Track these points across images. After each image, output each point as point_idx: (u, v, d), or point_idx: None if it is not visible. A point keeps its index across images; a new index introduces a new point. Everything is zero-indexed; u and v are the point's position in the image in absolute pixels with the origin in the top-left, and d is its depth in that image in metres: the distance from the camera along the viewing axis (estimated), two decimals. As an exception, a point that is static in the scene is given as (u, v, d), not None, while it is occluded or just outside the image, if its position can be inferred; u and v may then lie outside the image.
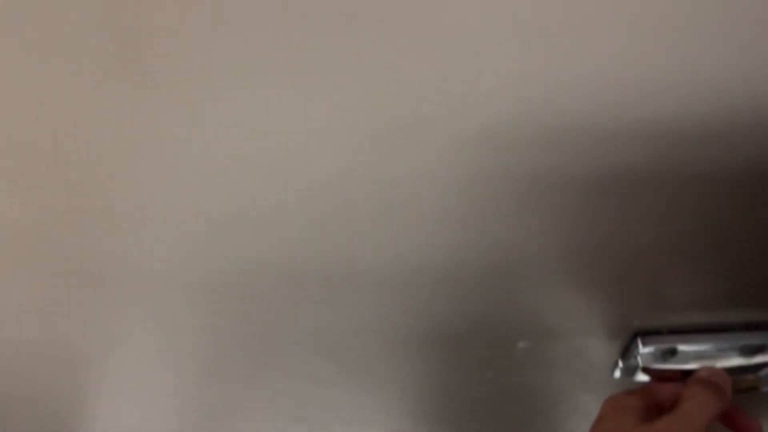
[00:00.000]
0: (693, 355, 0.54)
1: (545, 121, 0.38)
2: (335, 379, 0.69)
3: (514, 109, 0.37)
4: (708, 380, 0.50)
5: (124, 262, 0.49)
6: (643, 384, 0.56)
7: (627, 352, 0.57)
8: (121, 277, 0.50)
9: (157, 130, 0.38)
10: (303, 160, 0.41)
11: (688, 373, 0.54)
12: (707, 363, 0.53)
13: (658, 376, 0.56)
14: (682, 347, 0.54)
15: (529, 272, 0.51)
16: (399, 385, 0.70)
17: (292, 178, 0.42)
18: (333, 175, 0.42)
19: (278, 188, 0.43)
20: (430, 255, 0.49)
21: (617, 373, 0.58)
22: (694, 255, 0.50)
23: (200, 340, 0.63)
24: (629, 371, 0.57)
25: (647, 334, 0.55)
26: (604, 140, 0.39)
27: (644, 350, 0.55)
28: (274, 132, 0.39)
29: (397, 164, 0.41)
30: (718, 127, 0.39)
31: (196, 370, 0.69)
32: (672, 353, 0.54)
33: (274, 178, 0.42)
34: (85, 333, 0.60)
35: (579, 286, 0.53)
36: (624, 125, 0.38)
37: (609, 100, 0.37)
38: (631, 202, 0.44)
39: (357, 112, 0.37)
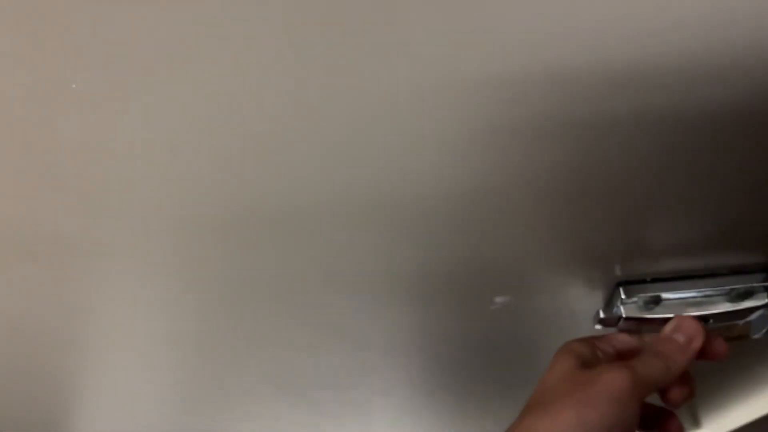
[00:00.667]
0: (678, 302, 0.52)
1: (528, 67, 0.35)
2: (317, 344, 0.67)
3: (497, 58, 0.35)
4: (666, 345, 0.46)
5: (71, 234, 0.46)
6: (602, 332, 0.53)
7: (610, 302, 0.54)
8: (71, 249, 0.47)
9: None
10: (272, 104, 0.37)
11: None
12: (693, 310, 0.51)
13: (633, 329, 0.53)
14: (666, 295, 0.52)
15: (504, 221, 0.48)
16: (378, 345, 0.68)
17: (261, 120, 0.39)
18: (305, 120, 0.38)
19: (242, 131, 0.39)
20: (404, 201, 0.46)
21: (599, 325, 0.55)
22: (675, 198, 0.47)
23: (172, 310, 0.61)
24: (612, 322, 0.54)
25: (629, 283, 0.53)
26: (584, 84, 0.37)
27: (627, 300, 0.52)
28: (261, 80, 0.35)
29: (375, 109, 0.38)
30: (699, 69, 0.36)
31: (172, 341, 0.67)
32: (656, 302, 0.52)
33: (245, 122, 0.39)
34: (49, 308, 0.57)
35: (557, 235, 0.50)
36: (607, 68, 0.36)
37: (596, 46, 0.34)
38: (609, 144, 0.42)
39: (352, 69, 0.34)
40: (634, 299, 0.52)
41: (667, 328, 0.47)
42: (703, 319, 0.52)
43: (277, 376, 0.76)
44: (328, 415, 0.91)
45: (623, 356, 0.45)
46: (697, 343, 0.45)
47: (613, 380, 0.40)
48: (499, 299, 0.56)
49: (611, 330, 0.55)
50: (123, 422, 0.90)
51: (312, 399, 0.84)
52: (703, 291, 0.52)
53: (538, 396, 0.43)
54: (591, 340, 0.46)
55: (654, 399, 0.46)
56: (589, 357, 0.44)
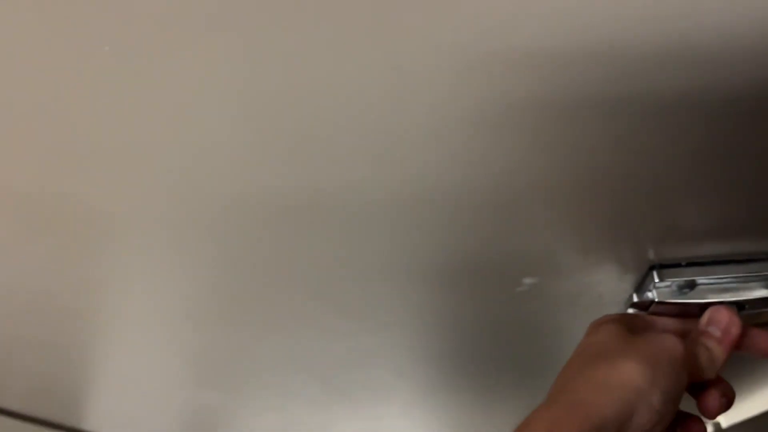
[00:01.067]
0: (713, 288, 0.50)
1: (553, 47, 0.34)
2: (333, 324, 0.66)
3: (525, 33, 0.33)
4: (703, 337, 0.45)
5: (90, 205, 0.45)
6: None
7: (642, 285, 0.53)
8: (87, 220, 0.46)
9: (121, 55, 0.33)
10: (294, 86, 0.36)
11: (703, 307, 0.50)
12: (729, 296, 0.50)
13: (669, 313, 0.52)
14: (702, 280, 0.50)
15: (536, 201, 0.47)
16: (399, 325, 0.67)
17: (286, 104, 0.37)
18: (328, 101, 0.37)
19: (271, 114, 0.38)
20: (433, 187, 0.45)
21: (631, 309, 0.54)
22: (712, 180, 0.46)
23: (189, 285, 0.60)
24: (644, 306, 0.53)
25: (664, 266, 0.51)
26: (619, 64, 0.35)
27: (660, 284, 0.51)
28: (268, 63, 0.34)
29: (396, 92, 0.37)
30: (736, 51, 0.34)
31: (187, 315, 0.66)
32: (690, 286, 0.50)
33: (270, 104, 0.37)
34: (63, 280, 0.56)
35: (590, 216, 0.49)
36: (642, 48, 0.34)
37: (622, 24, 0.33)
38: (649, 125, 0.40)
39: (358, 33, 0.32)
40: (668, 283, 0.51)
41: (702, 321, 0.46)
42: (738, 305, 0.50)
43: (294, 353, 0.75)
44: (340, 394, 0.91)
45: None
46: (734, 333, 0.45)
47: (671, 344, 0.40)
48: (527, 280, 0.55)
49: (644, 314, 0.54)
50: (138, 394, 0.90)
51: (326, 377, 0.83)
52: (739, 276, 0.50)
53: (585, 353, 0.42)
54: (632, 315, 0.45)
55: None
56: (634, 328, 0.43)
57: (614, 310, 0.58)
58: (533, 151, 0.42)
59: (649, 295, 0.52)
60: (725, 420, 0.97)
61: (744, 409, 0.94)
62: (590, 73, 0.36)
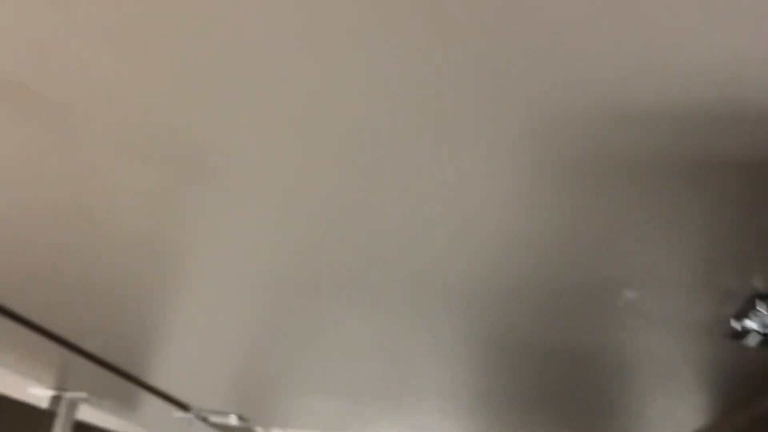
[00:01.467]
0: (816, 325, 0.51)
1: (648, 106, 0.37)
2: (416, 310, 0.68)
3: (612, 93, 0.36)
4: None
5: (237, 157, 0.47)
6: None
7: (742, 313, 0.53)
8: (230, 172, 0.48)
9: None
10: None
11: None
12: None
13: None
14: (807, 315, 0.51)
15: (650, 220, 0.48)
16: (481, 324, 0.69)
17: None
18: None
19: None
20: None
21: (730, 338, 0.55)
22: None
23: (293, 258, 0.61)
24: (740, 335, 0.54)
25: (769, 296, 0.52)
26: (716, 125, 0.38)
27: (763, 313, 0.51)
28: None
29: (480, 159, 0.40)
30: None
31: (282, 286, 0.68)
32: (794, 320, 0.51)
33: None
34: (185, 227, 0.58)
35: (702, 236, 0.50)
36: (729, 108, 0.37)
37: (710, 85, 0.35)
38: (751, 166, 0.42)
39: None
40: (770, 314, 0.52)
41: None
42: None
43: (367, 337, 0.76)
44: (394, 391, 0.91)
45: None
46: None
47: None
48: (628, 293, 0.56)
49: (738, 342, 0.54)
50: (203, 358, 0.92)
51: (397, 363, 0.84)
52: None
53: None
54: None
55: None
56: None
57: (710, 336, 0.59)
58: (662, 204, 0.45)
59: (749, 323, 0.53)
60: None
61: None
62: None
